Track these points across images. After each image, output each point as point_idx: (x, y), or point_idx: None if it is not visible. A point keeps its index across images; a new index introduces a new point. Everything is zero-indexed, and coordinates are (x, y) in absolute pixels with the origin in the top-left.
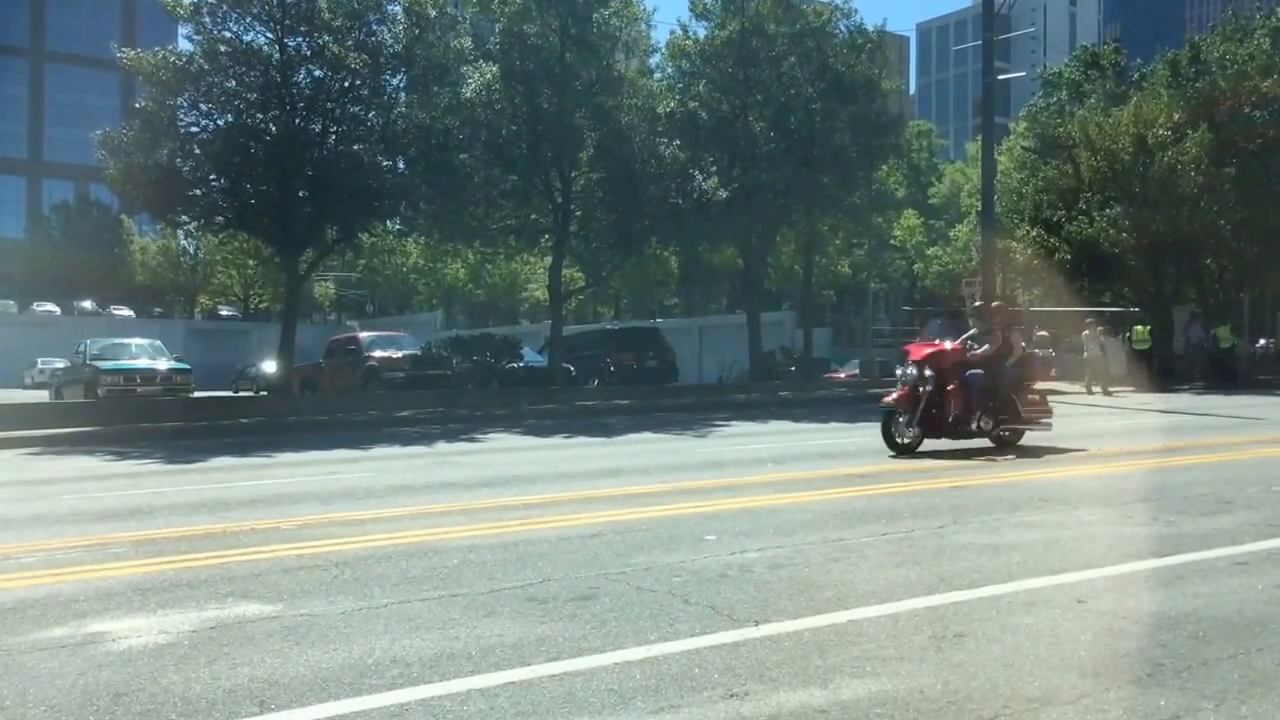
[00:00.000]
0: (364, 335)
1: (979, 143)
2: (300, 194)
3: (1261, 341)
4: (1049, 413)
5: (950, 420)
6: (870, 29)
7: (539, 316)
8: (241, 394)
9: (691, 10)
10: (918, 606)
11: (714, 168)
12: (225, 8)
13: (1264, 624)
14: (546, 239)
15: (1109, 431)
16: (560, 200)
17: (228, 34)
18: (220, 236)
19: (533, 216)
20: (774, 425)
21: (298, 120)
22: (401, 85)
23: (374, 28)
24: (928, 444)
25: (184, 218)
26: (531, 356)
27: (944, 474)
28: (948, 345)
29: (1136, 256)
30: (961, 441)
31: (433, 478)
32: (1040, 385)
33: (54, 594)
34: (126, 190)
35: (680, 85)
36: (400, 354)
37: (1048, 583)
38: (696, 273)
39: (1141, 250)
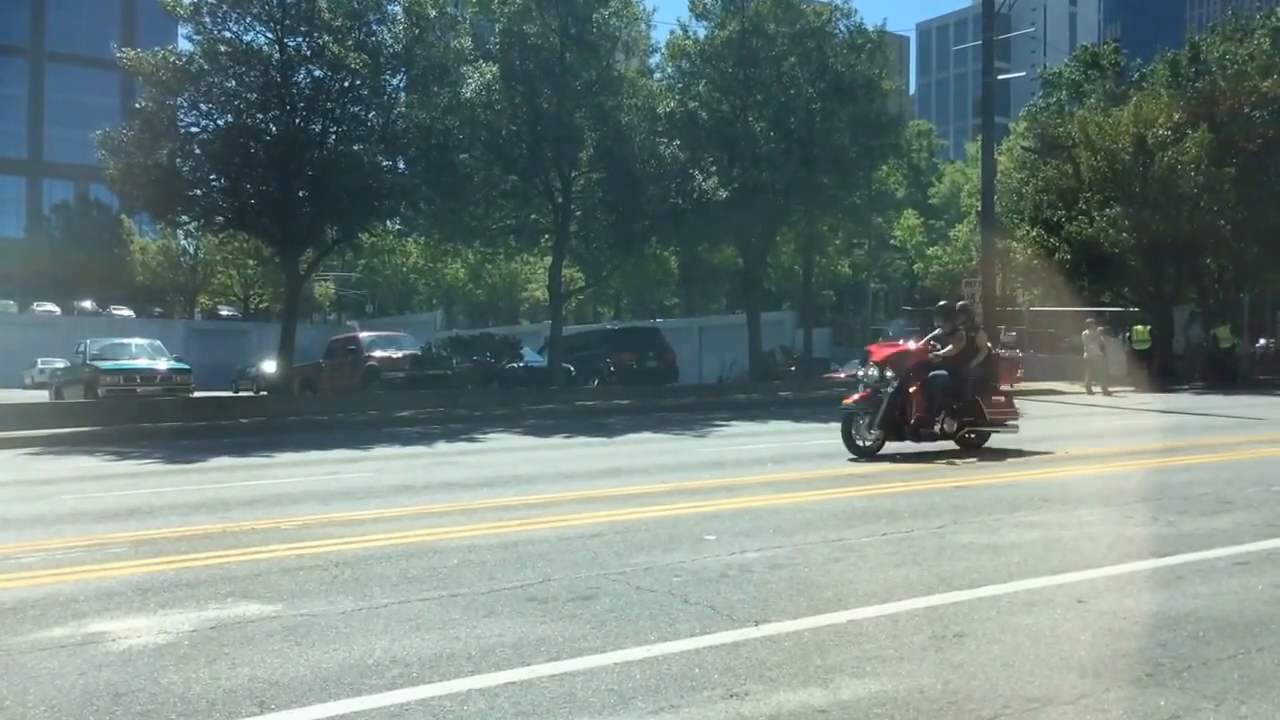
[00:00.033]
0: (364, 335)
1: (979, 143)
2: (300, 194)
3: (1261, 341)
4: (1015, 414)
5: (912, 422)
6: (870, 29)
7: (539, 316)
8: (241, 394)
9: (691, 10)
10: (918, 606)
11: (714, 168)
12: (225, 8)
13: (1264, 624)
14: (546, 239)
15: (1108, 431)
16: (560, 200)
17: (228, 34)
18: (220, 236)
19: (533, 216)
20: (774, 425)
21: (298, 120)
22: (401, 85)
23: (374, 28)
24: (891, 447)
25: (184, 218)
26: (531, 356)
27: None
28: (911, 346)
29: (1136, 256)
30: (925, 444)
31: (433, 478)
32: (1007, 387)
33: (54, 594)
34: (126, 190)
35: (680, 85)
36: (400, 354)
37: (1048, 583)
38: (696, 273)
39: (1141, 250)
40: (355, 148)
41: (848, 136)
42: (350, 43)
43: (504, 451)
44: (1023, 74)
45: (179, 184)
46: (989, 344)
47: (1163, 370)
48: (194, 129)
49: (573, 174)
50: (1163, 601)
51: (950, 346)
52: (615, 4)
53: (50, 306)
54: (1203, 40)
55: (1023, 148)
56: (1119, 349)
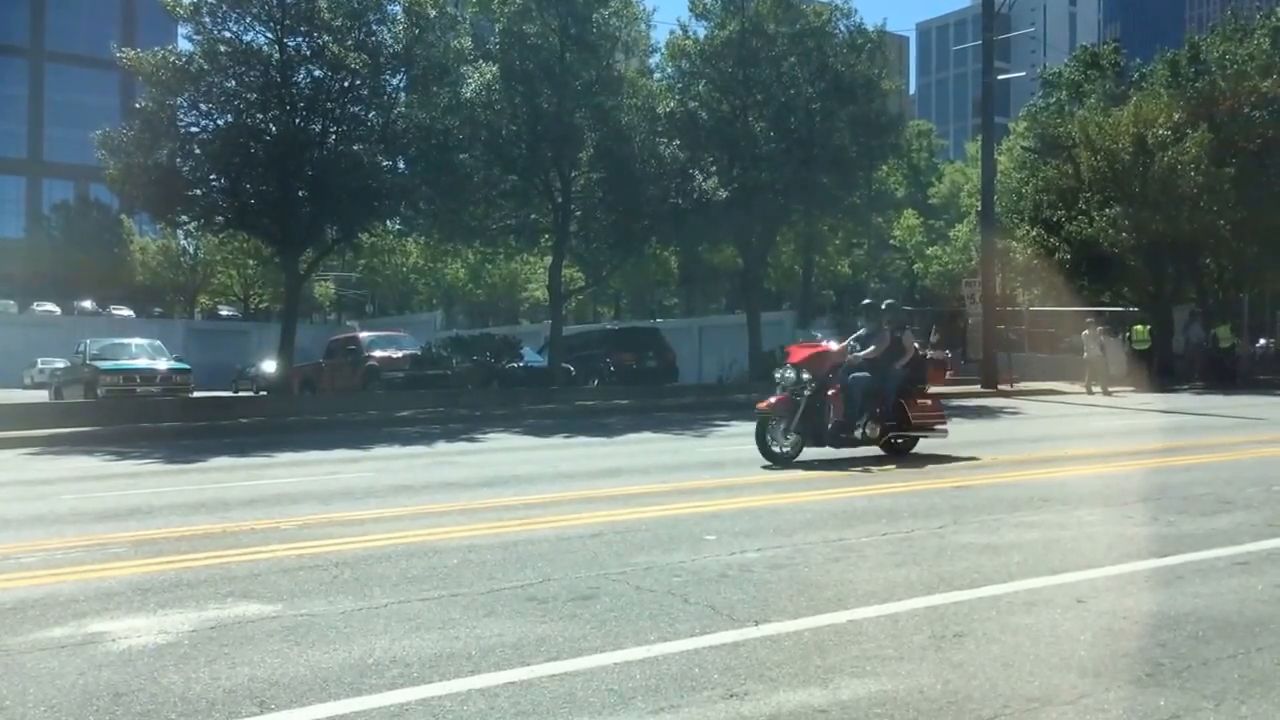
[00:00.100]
0: (364, 335)
1: (979, 143)
2: (300, 194)
3: (1261, 341)
4: (943, 418)
5: (830, 427)
6: (870, 29)
7: (539, 316)
8: (241, 394)
9: (691, 10)
10: (918, 606)
11: (714, 168)
12: (225, 8)
13: (1264, 624)
14: (546, 239)
15: (1108, 431)
16: (560, 200)
17: (228, 34)
18: (220, 236)
19: (532, 216)
20: None
21: (298, 120)
22: (401, 85)
23: (374, 28)
24: (812, 453)
25: (184, 218)
26: (531, 356)
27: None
28: (832, 346)
29: (1136, 256)
30: (847, 450)
31: (432, 477)
32: (935, 389)
33: (54, 594)
34: (126, 190)
35: (680, 85)
36: (400, 354)
37: (1047, 582)
38: (696, 273)
39: (1141, 250)
40: (355, 148)
41: (847, 136)
42: (350, 43)
43: (504, 451)
44: (1022, 74)
45: (179, 184)
46: (916, 345)
47: (1162, 370)
48: (194, 129)
49: (573, 174)
50: (1163, 601)
51: (873, 347)
52: (615, 4)
53: (50, 306)
54: (1202, 40)
55: (1022, 148)
56: (1119, 349)
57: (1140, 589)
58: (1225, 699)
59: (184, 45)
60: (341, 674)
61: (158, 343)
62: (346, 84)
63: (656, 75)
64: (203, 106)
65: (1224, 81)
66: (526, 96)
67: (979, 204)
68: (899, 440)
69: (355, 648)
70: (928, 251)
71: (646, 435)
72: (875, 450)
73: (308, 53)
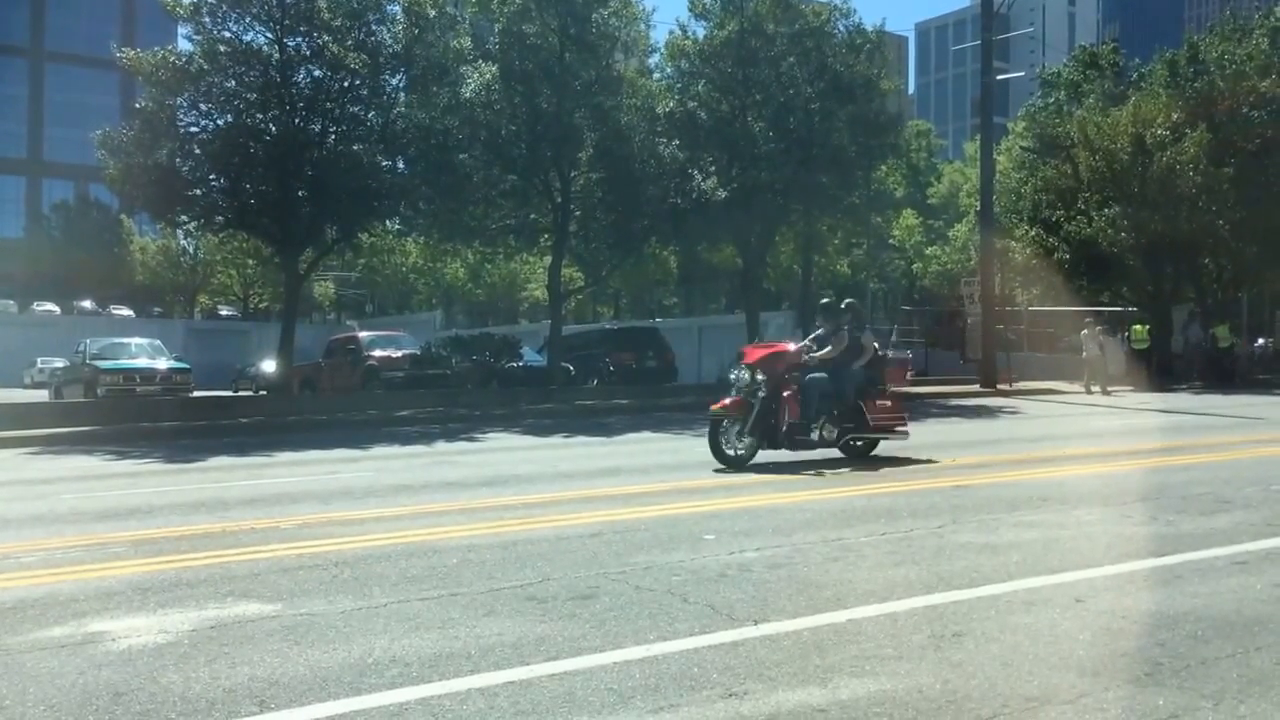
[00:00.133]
0: (363, 335)
1: (978, 142)
2: (300, 194)
3: (1260, 341)
4: (903, 420)
5: (784, 430)
6: (869, 29)
7: (538, 316)
8: (241, 393)
9: (691, 10)
10: (917, 606)
11: (713, 167)
12: (225, 8)
13: (1262, 623)
14: (546, 239)
15: (1107, 431)
16: (559, 200)
17: (227, 34)
18: (220, 236)
19: (532, 216)
20: None
21: (297, 120)
22: (401, 85)
23: (373, 28)
24: (768, 456)
25: (184, 218)
26: (531, 356)
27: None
28: (791, 347)
29: (1135, 256)
30: (805, 454)
31: (432, 477)
32: (896, 389)
33: (54, 593)
34: (126, 190)
35: (679, 85)
36: (400, 354)
37: (1046, 582)
38: (696, 272)
39: (1140, 250)
40: (355, 148)
41: (847, 136)
42: (350, 43)
43: (503, 451)
44: (1021, 74)
45: (179, 184)
46: (875, 345)
47: (1161, 370)
48: (194, 129)
49: (572, 174)
50: (1161, 601)
51: (829, 348)
52: (615, 4)
53: (50, 306)
54: (1201, 40)
55: (1021, 147)
56: (1118, 348)
57: (1139, 588)
58: (1224, 698)
59: (184, 45)
60: (341, 673)
61: (158, 342)
62: (346, 84)
63: (656, 75)
64: (203, 106)
65: (1223, 81)
66: (526, 96)
67: (978, 204)
68: (858, 442)
69: (355, 647)
70: (927, 251)
71: (646, 435)
72: (834, 453)
73: (307, 53)
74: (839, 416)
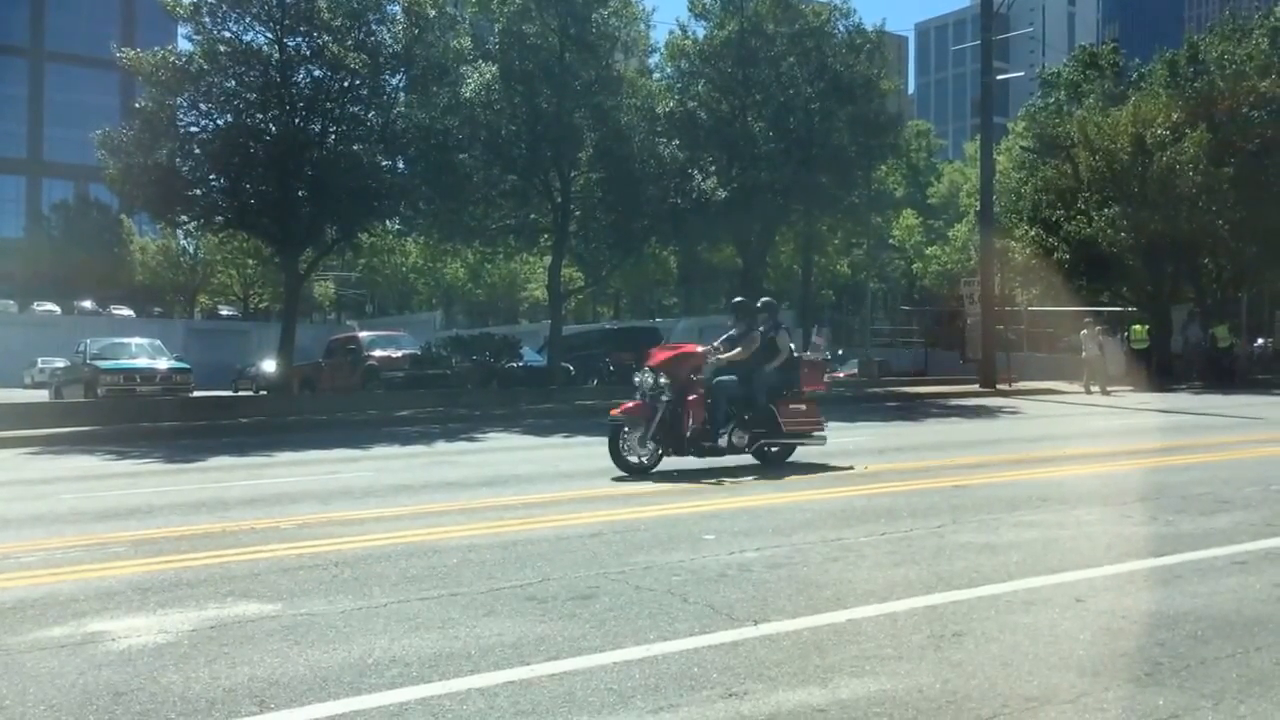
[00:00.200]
0: (363, 335)
1: (978, 142)
2: (300, 194)
3: (1259, 341)
4: (820, 424)
5: (688, 435)
6: (869, 29)
7: (538, 316)
8: (241, 393)
9: (691, 10)
10: (916, 606)
11: (713, 167)
12: (225, 8)
13: (1262, 623)
14: (546, 239)
15: (1106, 430)
16: (559, 200)
17: (227, 34)
18: (220, 236)
19: (532, 216)
20: None
21: (297, 120)
22: (401, 85)
23: (373, 28)
24: (674, 463)
25: (184, 218)
26: (531, 356)
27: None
28: (699, 349)
29: (1135, 256)
30: (715, 460)
31: (432, 477)
32: (811, 392)
33: (54, 593)
34: (126, 190)
35: (679, 85)
36: (400, 354)
37: (1046, 582)
38: (696, 272)
39: (1140, 250)
40: (355, 148)
41: (846, 136)
42: (350, 43)
43: (503, 451)
44: (1021, 74)
45: (179, 184)
46: (792, 346)
47: (1161, 370)
48: (194, 129)
49: (572, 174)
50: (1161, 600)
51: (739, 349)
52: (615, 4)
53: (50, 306)
54: (1201, 40)
55: (1021, 147)
56: (1117, 348)
57: (1139, 588)
58: (1224, 698)
59: (184, 45)
60: (341, 673)
61: (158, 342)
62: (346, 84)
63: (656, 75)
64: (203, 106)
65: (1222, 81)
66: (526, 96)
67: (978, 204)
68: (773, 449)
69: (355, 647)
70: (927, 251)
71: None
72: (748, 459)
73: (307, 53)
74: (750, 422)
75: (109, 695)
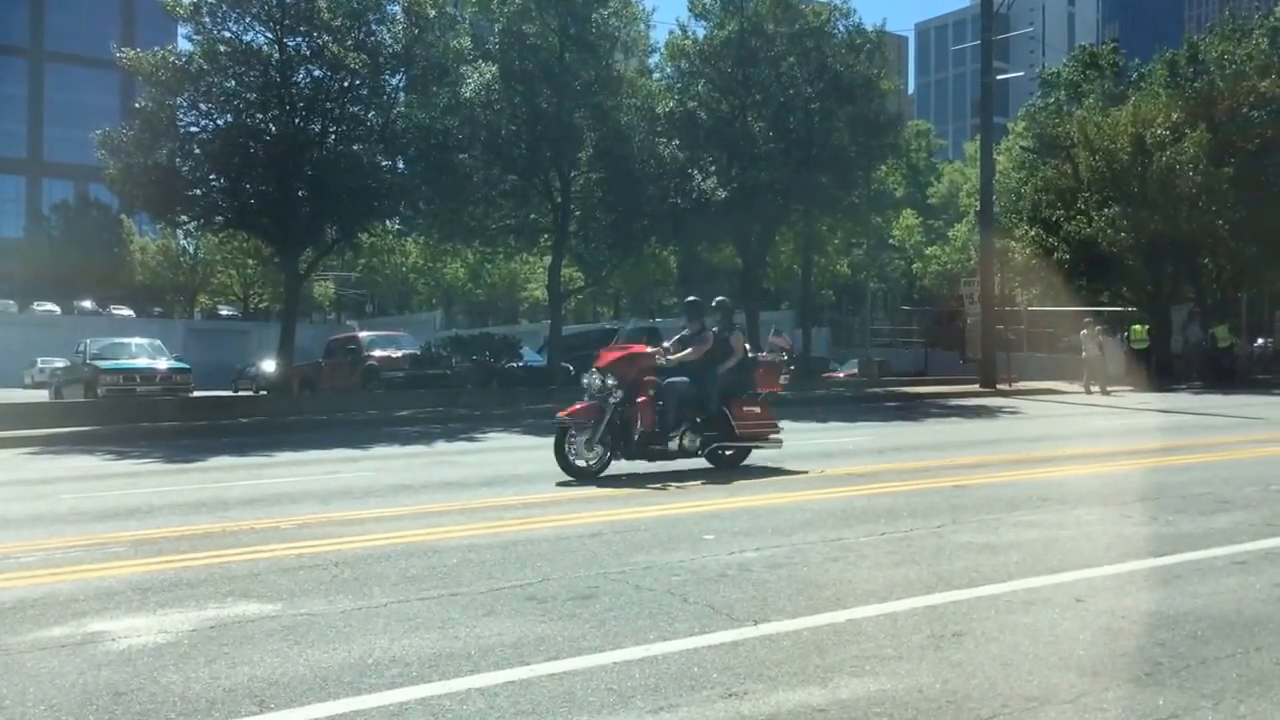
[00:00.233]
0: (363, 335)
1: (978, 143)
2: (300, 194)
3: (1259, 341)
4: (775, 427)
5: (636, 439)
6: (869, 29)
7: (538, 316)
8: (241, 393)
9: (690, 10)
10: (916, 606)
11: (713, 167)
12: (225, 8)
13: (1262, 623)
14: (546, 239)
15: (1106, 430)
16: (559, 200)
17: (227, 34)
18: (220, 236)
19: (532, 216)
20: None
21: (297, 120)
22: (401, 85)
23: (373, 28)
24: (624, 467)
25: (184, 218)
26: (531, 356)
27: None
28: (648, 349)
29: (1135, 256)
30: (667, 464)
31: (432, 477)
32: (766, 394)
33: (53, 593)
34: (126, 190)
35: (679, 85)
36: (400, 354)
37: (1046, 582)
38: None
39: (1140, 250)
40: (355, 148)
41: (846, 136)
42: (350, 43)
43: (503, 451)
44: (1021, 74)
45: (179, 184)
46: (746, 346)
47: (1161, 370)
48: (194, 129)
49: (572, 174)
50: (1161, 600)
51: (690, 349)
52: (614, 4)
53: (50, 306)
54: (1201, 40)
55: (1021, 147)
56: (1117, 348)
57: (1139, 588)
58: (1224, 698)
59: (184, 45)
60: (341, 673)
61: (158, 342)
62: (346, 84)
63: (656, 75)
64: (202, 106)
65: (1222, 81)
66: (526, 96)
67: (978, 204)
68: (726, 452)
69: (355, 647)
70: (927, 251)
71: None
72: (699, 463)
73: (307, 53)
74: (702, 424)
75: (109, 695)
